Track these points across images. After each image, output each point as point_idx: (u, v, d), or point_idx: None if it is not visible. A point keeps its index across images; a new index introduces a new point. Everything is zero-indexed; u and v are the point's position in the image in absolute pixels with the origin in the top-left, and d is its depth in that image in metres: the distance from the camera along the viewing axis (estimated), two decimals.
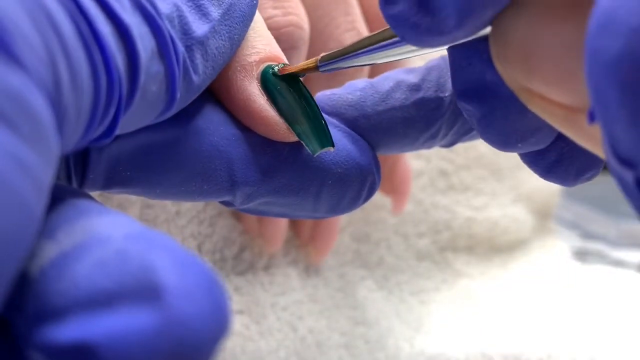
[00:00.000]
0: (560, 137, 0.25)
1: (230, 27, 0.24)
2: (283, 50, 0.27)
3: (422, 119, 0.27)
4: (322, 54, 0.26)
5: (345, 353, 0.41)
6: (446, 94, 0.27)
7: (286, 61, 0.26)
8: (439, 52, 0.25)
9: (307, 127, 0.25)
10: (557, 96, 0.20)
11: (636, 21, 0.16)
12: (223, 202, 0.26)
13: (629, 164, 0.17)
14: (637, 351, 0.42)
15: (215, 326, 0.17)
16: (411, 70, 0.27)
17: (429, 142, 0.27)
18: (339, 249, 0.45)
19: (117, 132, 0.21)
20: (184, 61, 0.22)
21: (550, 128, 0.24)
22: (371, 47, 0.24)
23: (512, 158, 0.51)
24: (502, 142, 0.24)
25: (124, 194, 0.25)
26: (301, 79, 0.26)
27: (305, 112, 0.25)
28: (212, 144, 0.24)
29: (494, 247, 0.51)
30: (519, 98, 0.22)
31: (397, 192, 0.44)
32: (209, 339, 0.17)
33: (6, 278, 0.16)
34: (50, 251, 0.18)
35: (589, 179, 0.26)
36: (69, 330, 0.17)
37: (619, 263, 0.55)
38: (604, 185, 0.60)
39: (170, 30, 0.22)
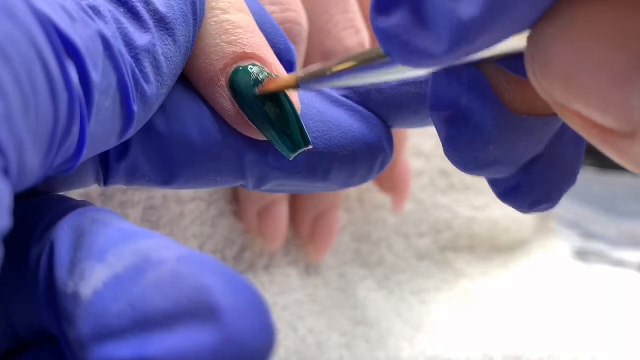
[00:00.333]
0: (522, 170, 0.24)
1: (171, 30, 0.23)
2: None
3: None
4: (301, 73, 0.25)
5: (345, 353, 0.41)
6: None
7: (259, 53, 0.25)
8: None
9: (274, 135, 0.25)
10: (600, 119, 0.18)
11: None
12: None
13: None
14: (638, 351, 0.42)
15: (266, 342, 0.18)
16: None
17: None
18: (339, 248, 0.45)
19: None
20: (133, 72, 0.22)
21: (512, 162, 0.24)
22: (355, 67, 0.23)
23: None
24: (462, 165, 0.24)
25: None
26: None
27: (270, 121, 0.25)
28: (222, 140, 0.25)
29: (495, 247, 0.51)
30: (553, 109, 0.20)
31: (397, 190, 0.44)
32: (261, 355, 0.18)
33: None
34: (102, 274, 0.19)
35: (543, 210, 0.25)
36: (130, 348, 0.18)
37: (619, 263, 0.54)
38: (605, 185, 0.61)
39: (115, 42, 0.21)
